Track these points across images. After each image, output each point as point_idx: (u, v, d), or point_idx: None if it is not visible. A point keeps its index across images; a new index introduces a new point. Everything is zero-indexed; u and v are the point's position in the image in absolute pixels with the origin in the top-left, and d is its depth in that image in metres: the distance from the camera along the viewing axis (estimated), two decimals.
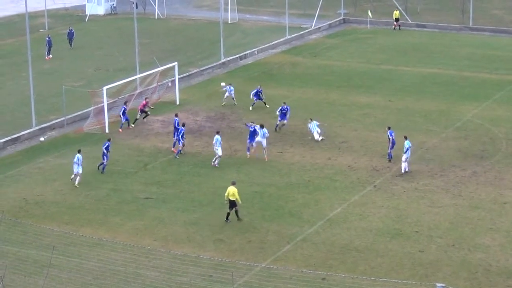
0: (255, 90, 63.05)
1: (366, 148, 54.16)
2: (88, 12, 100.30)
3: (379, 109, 62.47)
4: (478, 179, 49.19)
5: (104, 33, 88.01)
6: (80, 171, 48.12)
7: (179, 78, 66.28)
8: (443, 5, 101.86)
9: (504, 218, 43.64)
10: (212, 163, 51.44)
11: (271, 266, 37.88)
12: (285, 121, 57.53)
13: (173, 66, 65.52)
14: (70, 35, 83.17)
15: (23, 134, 57.43)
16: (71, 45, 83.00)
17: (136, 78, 65.04)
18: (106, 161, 50.45)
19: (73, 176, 48.42)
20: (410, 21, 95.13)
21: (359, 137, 56.17)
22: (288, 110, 57.36)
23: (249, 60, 79.09)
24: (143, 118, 59.55)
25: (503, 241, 41.01)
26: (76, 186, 47.94)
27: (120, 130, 57.85)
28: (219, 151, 51.37)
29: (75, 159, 48.15)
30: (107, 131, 57.85)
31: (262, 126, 52.74)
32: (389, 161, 51.50)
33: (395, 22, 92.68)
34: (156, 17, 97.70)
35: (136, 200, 46.94)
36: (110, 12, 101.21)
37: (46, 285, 36.52)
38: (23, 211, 45.20)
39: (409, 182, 48.63)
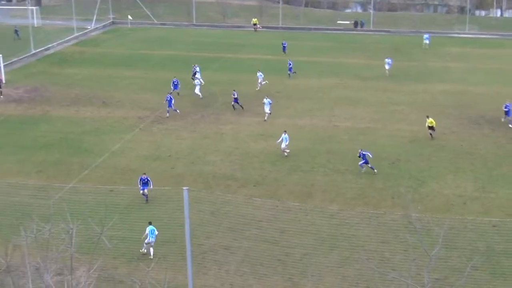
0: (172, 81, 55.91)
1: (133, 104, 53.47)
2: None
3: (141, 79, 61.57)
4: (205, 120, 49.77)
5: None
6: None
7: (4, 65, 62.61)
8: (175, 9, 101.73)
9: (223, 143, 44.49)
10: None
11: (76, 186, 36.82)
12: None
13: None
14: None
15: None
16: None
17: None
18: None
19: None
20: (155, 21, 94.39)
21: (128, 98, 55.32)
22: None
23: (51, 51, 75.75)
24: None
25: (222, 158, 41.84)
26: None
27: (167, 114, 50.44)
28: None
29: (281, 138, 41.25)
30: None
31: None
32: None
33: (254, 26, 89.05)
34: None
35: None
36: None
37: None
38: None
39: (162, 125, 48.45)
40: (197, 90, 55.03)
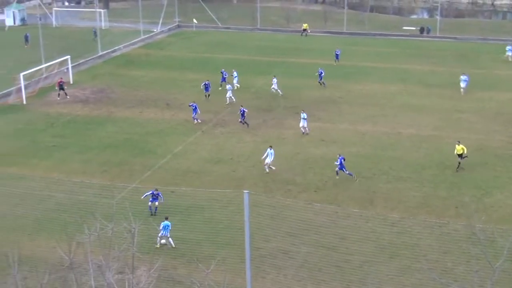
0: (204, 83, 56.61)
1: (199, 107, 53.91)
2: (7, 24, 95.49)
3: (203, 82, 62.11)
4: (267, 124, 49.86)
5: (20, 38, 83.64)
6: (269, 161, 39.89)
7: (72, 66, 64.13)
8: (240, 14, 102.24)
9: (284, 148, 44.45)
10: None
11: (139, 186, 37.38)
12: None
13: (67, 58, 63.36)
14: (26, 38, 79.90)
15: None
16: (27, 43, 79.74)
17: (42, 67, 62.50)
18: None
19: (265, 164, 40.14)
20: (220, 25, 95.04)
21: (191, 100, 55.62)
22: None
23: (117, 53, 77.27)
24: (60, 90, 56.67)
25: (283, 162, 41.78)
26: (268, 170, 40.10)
27: (195, 122, 50.23)
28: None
29: (267, 153, 39.92)
30: (25, 102, 55.52)
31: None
32: None
33: (303, 31, 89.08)
34: (54, 26, 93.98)
35: (47, 147, 45.31)
36: (22, 23, 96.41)
37: None
38: None
39: (224, 128, 48.76)
40: (229, 94, 54.89)
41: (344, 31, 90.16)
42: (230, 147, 44.62)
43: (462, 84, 57.93)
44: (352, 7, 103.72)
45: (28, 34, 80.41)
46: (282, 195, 36.25)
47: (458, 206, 35.19)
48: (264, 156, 40.34)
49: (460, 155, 40.17)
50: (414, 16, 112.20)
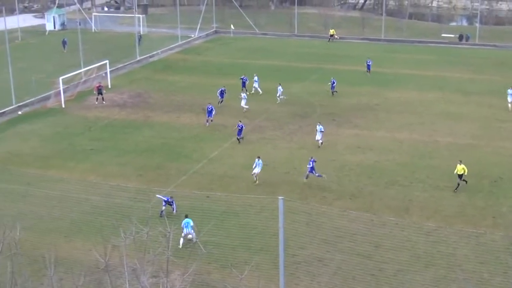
0: (220, 90, 56.58)
1: (231, 112, 54.04)
2: (48, 28, 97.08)
3: (241, 88, 61.98)
4: (302, 130, 49.78)
5: (59, 42, 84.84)
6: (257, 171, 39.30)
7: (110, 71, 64.89)
8: (277, 20, 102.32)
9: (319, 155, 44.25)
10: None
11: (174, 190, 37.65)
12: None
13: (106, 63, 64.13)
14: (64, 43, 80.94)
15: (6, 110, 55.07)
16: (64, 48, 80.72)
17: (81, 71, 63.34)
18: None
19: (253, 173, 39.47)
20: (257, 31, 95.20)
21: (227, 106, 55.97)
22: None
23: (155, 58, 77.92)
24: (99, 94, 57.13)
25: (319, 169, 41.52)
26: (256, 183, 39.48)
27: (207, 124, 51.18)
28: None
29: (255, 164, 39.38)
30: (63, 106, 56.32)
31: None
32: None
33: (330, 36, 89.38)
34: (93, 31, 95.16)
35: (84, 150, 45.88)
36: (62, 28, 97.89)
37: (25, 208, 35.60)
38: (8, 160, 43.59)
39: (260, 134, 48.79)
40: (243, 104, 54.58)
41: (382, 38, 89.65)
42: (266, 153, 44.61)
43: (510, 99, 54.75)
44: (390, 13, 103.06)
45: (65, 39, 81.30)
46: (317, 202, 36.16)
47: (496, 216, 34.71)
48: (254, 166, 39.72)
49: (460, 176, 38.12)
50: (453, 23, 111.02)
